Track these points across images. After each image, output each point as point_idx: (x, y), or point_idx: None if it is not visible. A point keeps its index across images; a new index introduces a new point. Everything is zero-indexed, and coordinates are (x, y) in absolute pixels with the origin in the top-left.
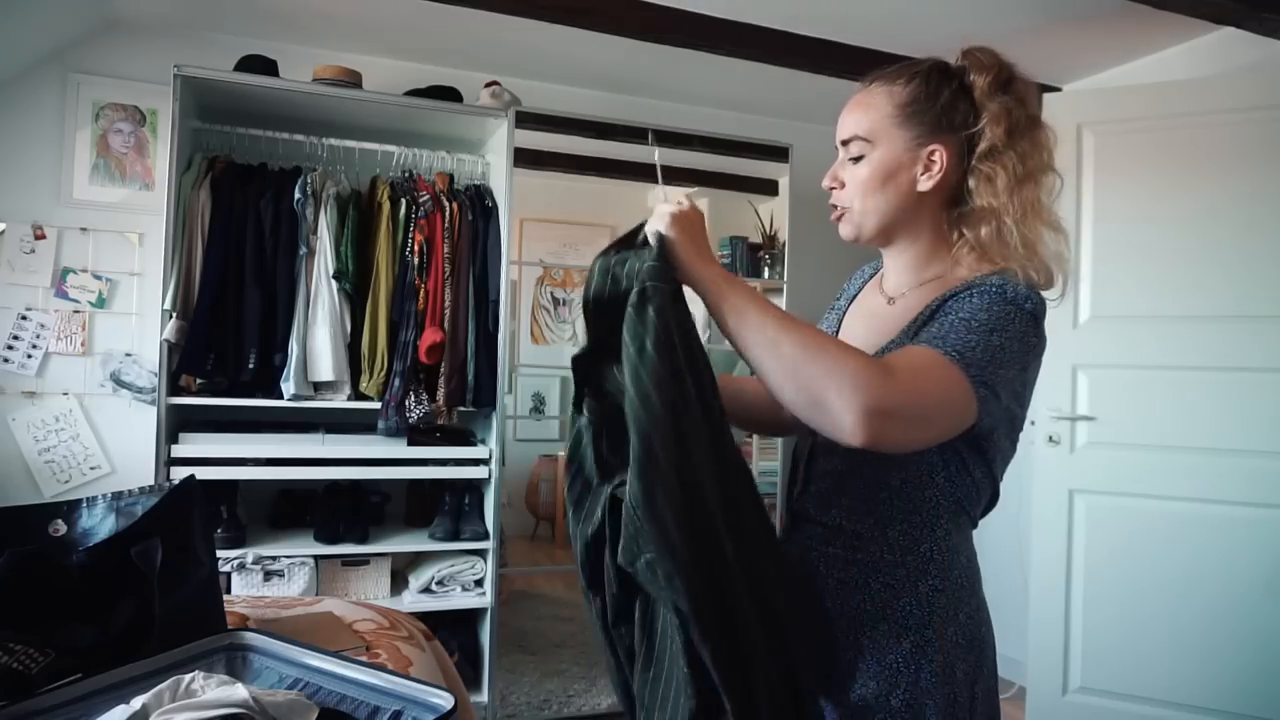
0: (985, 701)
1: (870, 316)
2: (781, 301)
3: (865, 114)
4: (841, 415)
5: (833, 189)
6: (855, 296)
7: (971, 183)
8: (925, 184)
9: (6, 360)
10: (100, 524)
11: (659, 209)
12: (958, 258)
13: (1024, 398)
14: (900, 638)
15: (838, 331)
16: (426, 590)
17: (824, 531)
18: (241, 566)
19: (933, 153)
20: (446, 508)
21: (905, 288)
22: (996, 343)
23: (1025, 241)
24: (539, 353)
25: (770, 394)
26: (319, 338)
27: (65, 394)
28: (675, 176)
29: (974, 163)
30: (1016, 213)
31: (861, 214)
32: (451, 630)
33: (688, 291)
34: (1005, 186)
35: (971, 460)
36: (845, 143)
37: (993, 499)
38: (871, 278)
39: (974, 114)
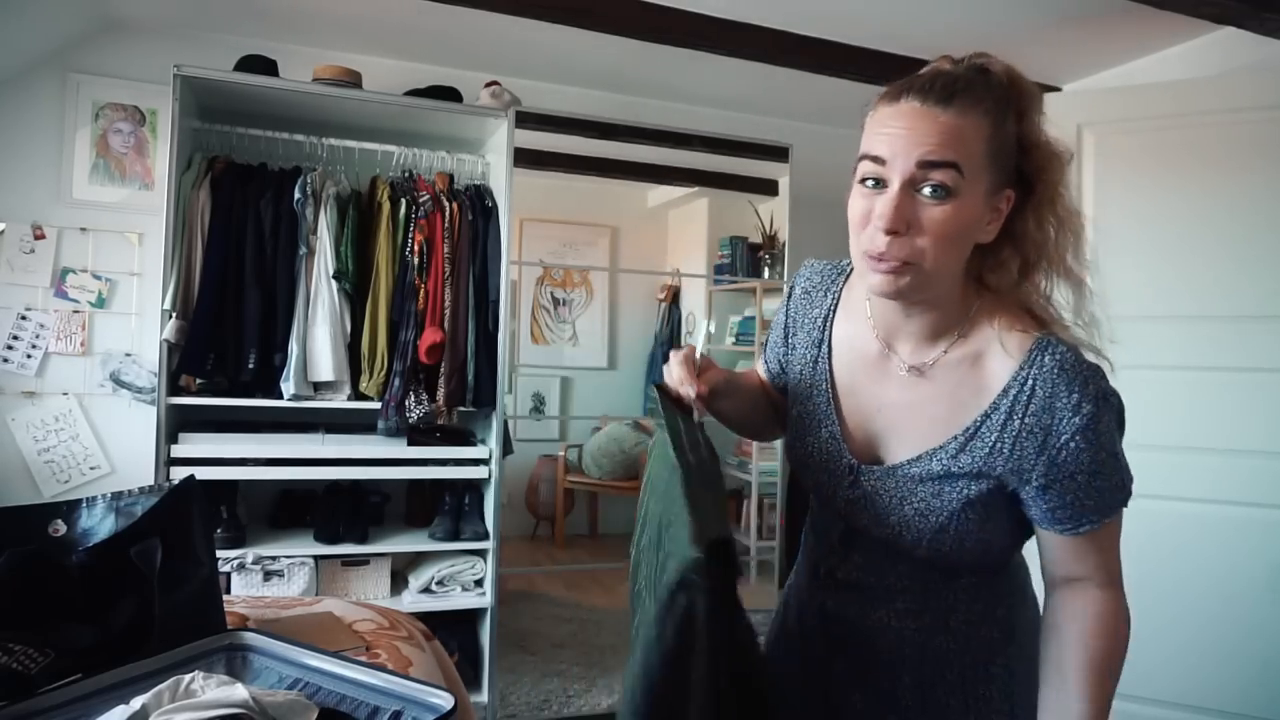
0: None
1: (886, 381)
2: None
3: (960, 141)
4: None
5: (895, 234)
6: (831, 318)
7: (1019, 230)
8: (988, 235)
9: (6, 360)
10: (100, 524)
11: None
12: (978, 314)
13: None
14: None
15: (825, 375)
16: (426, 590)
17: (884, 591)
18: (241, 566)
19: (1008, 196)
20: (446, 508)
21: (928, 355)
22: (1121, 457)
23: (1047, 289)
24: (539, 353)
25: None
26: (319, 338)
27: (65, 394)
28: (675, 176)
29: (1028, 210)
30: (1059, 257)
31: (933, 272)
32: (451, 630)
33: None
34: (1052, 230)
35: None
36: (927, 166)
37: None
38: (844, 290)
39: (1024, 151)
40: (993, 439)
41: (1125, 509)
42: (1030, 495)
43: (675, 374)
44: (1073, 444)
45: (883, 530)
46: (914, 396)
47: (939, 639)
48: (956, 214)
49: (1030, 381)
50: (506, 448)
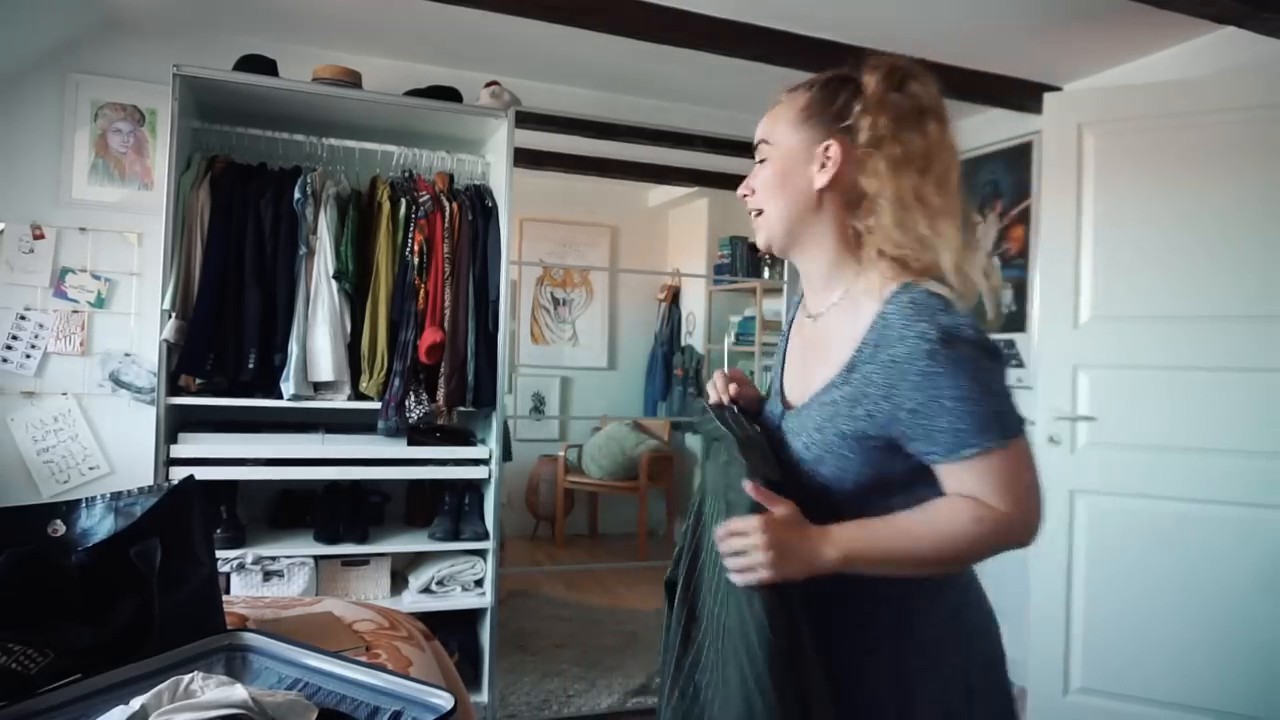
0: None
1: (800, 337)
2: (781, 301)
3: (770, 120)
4: (1017, 549)
5: (745, 196)
6: (793, 322)
7: (858, 176)
8: (821, 179)
9: (5, 360)
10: (99, 524)
11: (736, 556)
12: (861, 268)
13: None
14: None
15: (783, 342)
16: (426, 590)
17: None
18: (241, 566)
19: (827, 148)
20: (446, 508)
21: (823, 304)
22: (997, 391)
23: (914, 234)
24: (539, 353)
25: None
26: (319, 338)
27: (64, 394)
28: (675, 176)
29: (857, 154)
30: (900, 199)
31: (770, 217)
32: (451, 630)
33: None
34: (885, 171)
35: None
36: (754, 150)
37: None
38: (800, 301)
39: (866, 109)
40: (866, 372)
41: (1022, 447)
42: (907, 428)
43: (717, 384)
44: (929, 369)
45: (792, 472)
46: (813, 341)
47: (850, 586)
48: (770, 169)
49: (889, 316)
50: (506, 453)
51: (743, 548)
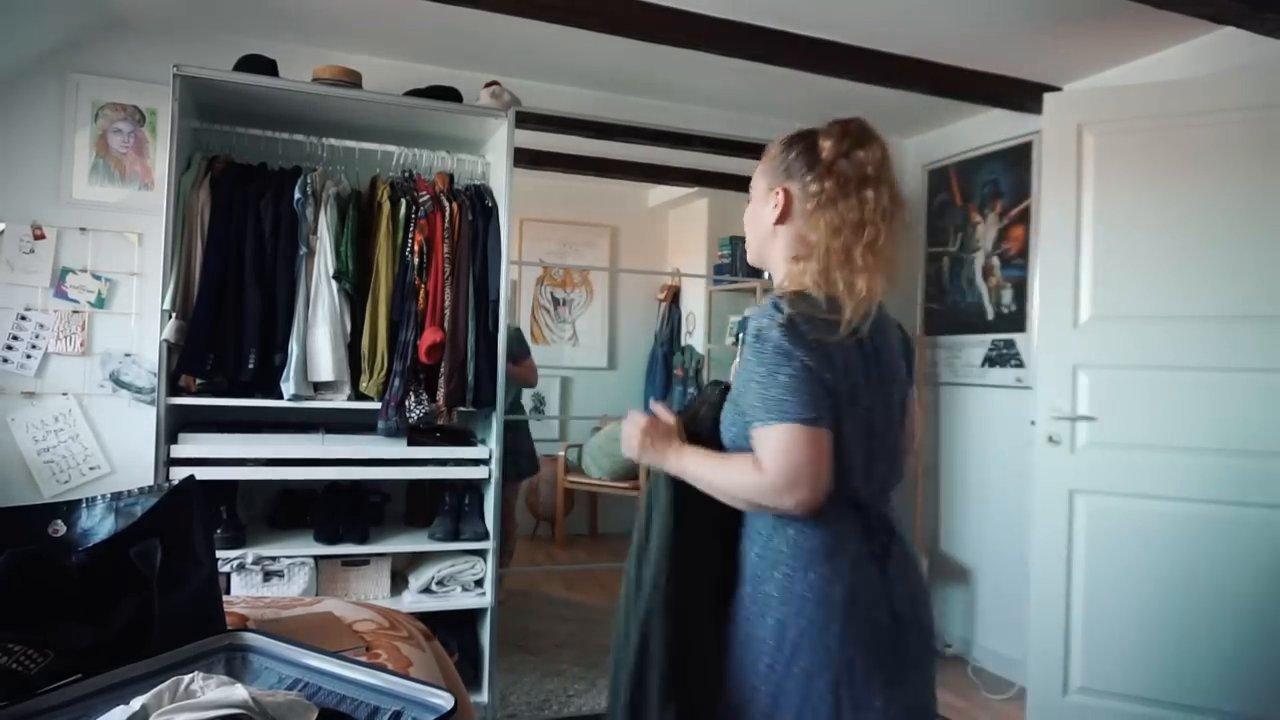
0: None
1: None
2: None
3: (758, 170)
4: (771, 508)
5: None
6: None
7: (806, 224)
8: (771, 217)
9: (6, 360)
10: (100, 524)
11: (625, 434)
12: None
13: (831, 392)
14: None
15: None
16: (426, 590)
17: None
18: (241, 566)
19: (778, 194)
20: (446, 508)
21: None
22: (776, 380)
23: (835, 281)
24: (539, 352)
25: None
26: (319, 338)
27: (65, 394)
28: (675, 176)
29: (808, 206)
30: (830, 254)
31: (748, 240)
32: (451, 630)
33: None
34: (824, 230)
35: None
36: None
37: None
38: None
39: (815, 170)
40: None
41: (797, 431)
42: (741, 400)
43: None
44: (748, 356)
45: (721, 432)
46: None
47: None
48: (749, 209)
49: (750, 317)
50: (532, 465)
51: (630, 429)
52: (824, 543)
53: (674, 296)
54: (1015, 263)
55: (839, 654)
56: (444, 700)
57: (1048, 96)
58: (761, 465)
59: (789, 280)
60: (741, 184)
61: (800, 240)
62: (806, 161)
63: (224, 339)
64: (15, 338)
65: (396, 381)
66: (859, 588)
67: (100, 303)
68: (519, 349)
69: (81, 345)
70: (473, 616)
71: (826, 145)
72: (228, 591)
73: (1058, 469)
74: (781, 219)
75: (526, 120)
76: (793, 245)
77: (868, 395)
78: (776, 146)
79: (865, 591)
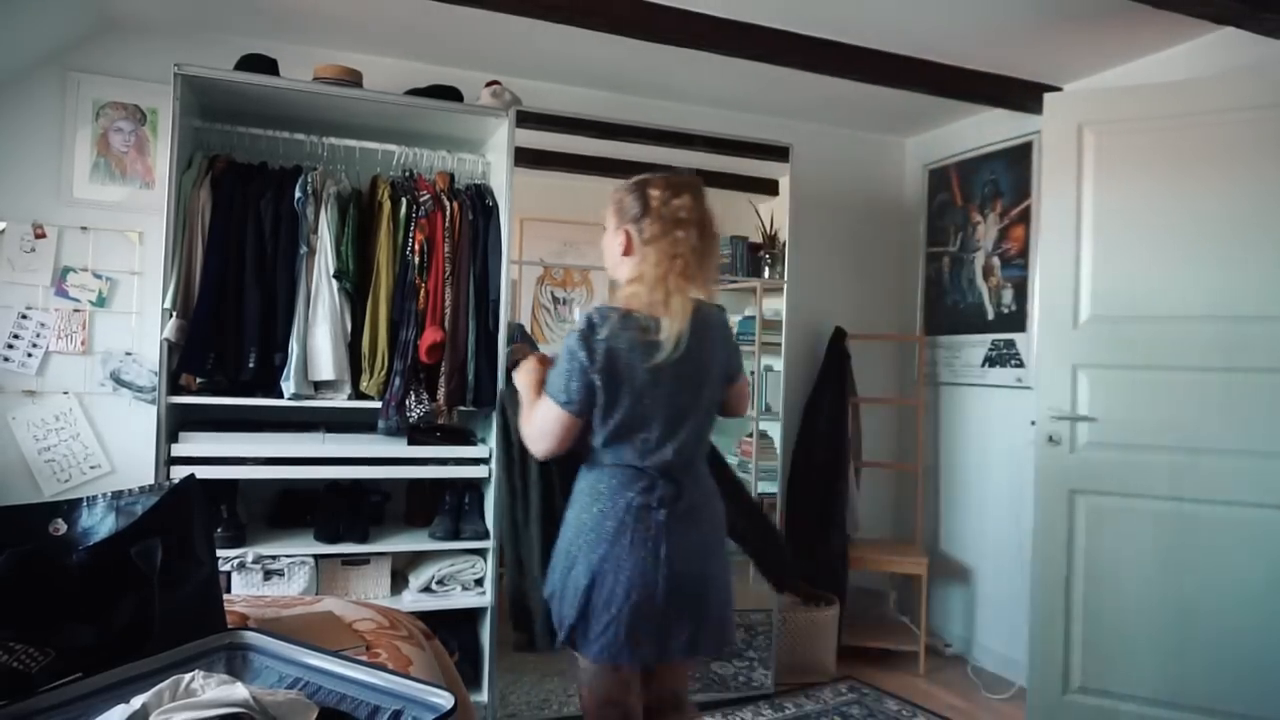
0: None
1: None
2: (782, 300)
3: (607, 209)
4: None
5: None
6: None
7: (640, 257)
8: (618, 250)
9: (6, 359)
10: (100, 523)
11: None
12: None
13: (607, 380)
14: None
15: None
16: (426, 590)
17: None
18: (241, 566)
19: (621, 233)
20: (446, 507)
21: None
22: (559, 368)
23: (653, 300)
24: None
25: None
26: (319, 337)
27: (65, 393)
28: None
29: (641, 241)
30: (653, 282)
31: (606, 265)
32: (451, 630)
33: None
34: (649, 262)
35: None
36: None
37: (609, 440)
38: None
39: (647, 215)
40: None
41: (552, 410)
42: None
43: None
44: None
45: None
46: None
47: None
48: (604, 238)
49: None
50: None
51: (527, 363)
52: (606, 489)
53: None
54: (1015, 263)
55: (598, 568)
56: (444, 699)
57: (1048, 96)
58: (531, 421)
59: (624, 298)
60: (741, 184)
61: (636, 268)
62: (640, 208)
63: (224, 338)
64: (16, 336)
65: (397, 381)
66: (628, 525)
67: (101, 302)
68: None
69: (82, 344)
70: (473, 616)
71: (654, 195)
72: (228, 590)
73: (1058, 469)
74: (625, 252)
75: (527, 120)
76: (631, 271)
77: (663, 391)
78: (620, 193)
79: (635, 529)
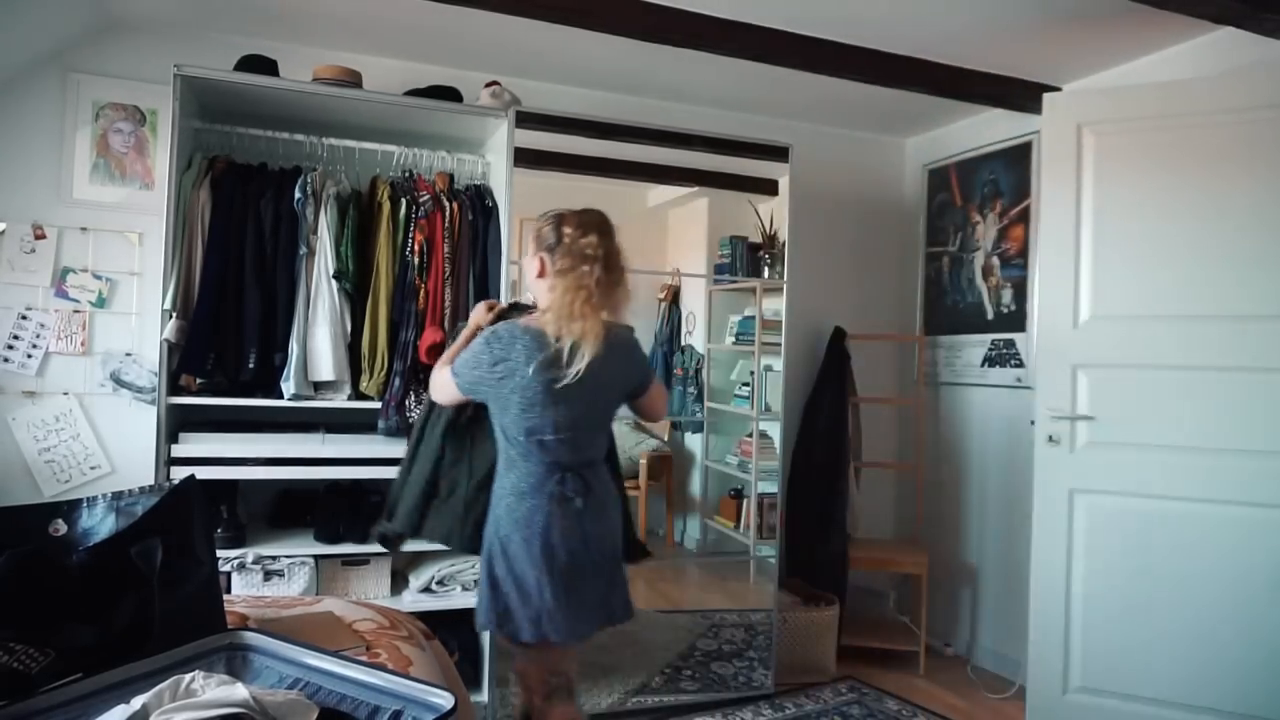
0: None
1: None
2: (781, 300)
3: (529, 236)
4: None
5: None
6: None
7: (552, 283)
8: (535, 273)
9: (6, 360)
10: (100, 524)
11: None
12: None
13: (492, 387)
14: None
15: None
16: (426, 590)
17: None
18: (241, 566)
19: (538, 260)
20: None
21: None
22: (469, 351)
23: (562, 319)
24: None
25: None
26: (319, 337)
27: (65, 393)
28: (675, 176)
29: (554, 270)
30: (560, 305)
31: (526, 285)
32: (451, 630)
33: None
34: (559, 289)
35: (493, 419)
36: None
37: (520, 442)
38: None
39: (559, 248)
40: None
41: (446, 376)
42: None
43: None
44: None
45: None
46: None
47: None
48: (525, 259)
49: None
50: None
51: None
52: (525, 483)
53: (674, 296)
54: (1015, 263)
55: (522, 557)
56: (444, 700)
57: (1047, 96)
58: (440, 372)
59: (537, 319)
60: (741, 184)
61: (548, 295)
62: (554, 240)
63: (224, 339)
64: (16, 337)
65: (397, 381)
66: (545, 512)
67: (101, 302)
68: None
69: (82, 345)
70: (473, 616)
71: (566, 231)
72: (228, 591)
73: (1058, 469)
74: (539, 275)
75: (527, 120)
76: (544, 297)
77: (565, 402)
78: (540, 223)
79: (555, 517)
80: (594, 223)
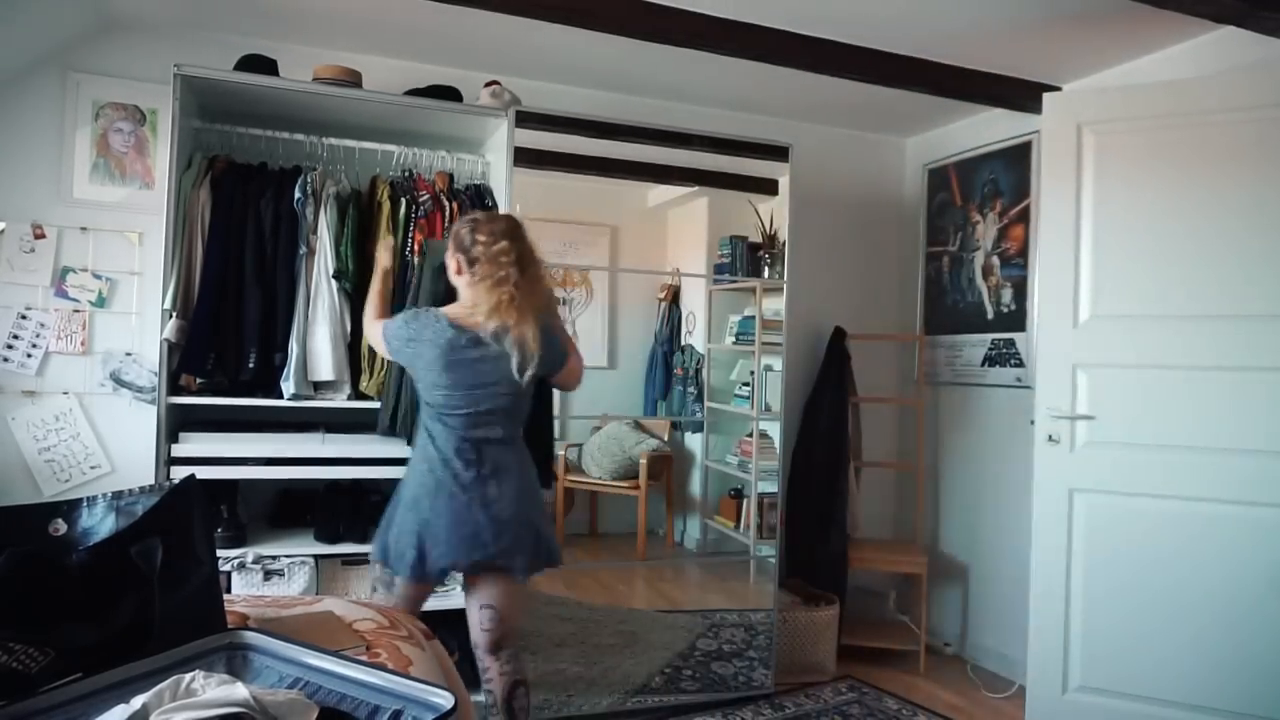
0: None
1: None
2: (782, 300)
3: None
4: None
5: None
6: None
7: (467, 279)
8: (454, 270)
9: (6, 359)
10: (100, 523)
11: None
12: None
13: (408, 358)
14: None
15: None
16: None
17: None
18: (241, 566)
19: (454, 259)
20: None
21: None
22: (391, 326)
23: (478, 309)
24: None
25: None
26: (319, 337)
27: (65, 393)
28: (675, 176)
29: (469, 273)
30: (473, 297)
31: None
32: (452, 630)
33: None
34: (476, 284)
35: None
36: None
37: (445, 409)
38: None
39: (469, 251)
40: None
41: (377, 330)
42: None
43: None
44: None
45: None
46: None
47: None
48: (447, 255)
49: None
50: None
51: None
52: (429, 445)
53: (674, 296)
54: (1015, 262)
55: (430, 511)
56: (444, 699)
57: (1047, 96)
58: (372, 323)
59: (454, 308)
60: (741, 184)
61: (468, 288)
62: (469, 243)
63: (224, 338)
64: (16, 337)
65: None
66: (443, 474)
67: (101, 302)
68: None
69: (82, 344)
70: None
71: (480, 239)
72: (228, 590)
73: (1057, 468)
74: (457, 272)
75: (527, 120)
76: (465, 290)
77: (463, 374)
78: (460, 226)
79: (453, 478)
80: (506, 230)
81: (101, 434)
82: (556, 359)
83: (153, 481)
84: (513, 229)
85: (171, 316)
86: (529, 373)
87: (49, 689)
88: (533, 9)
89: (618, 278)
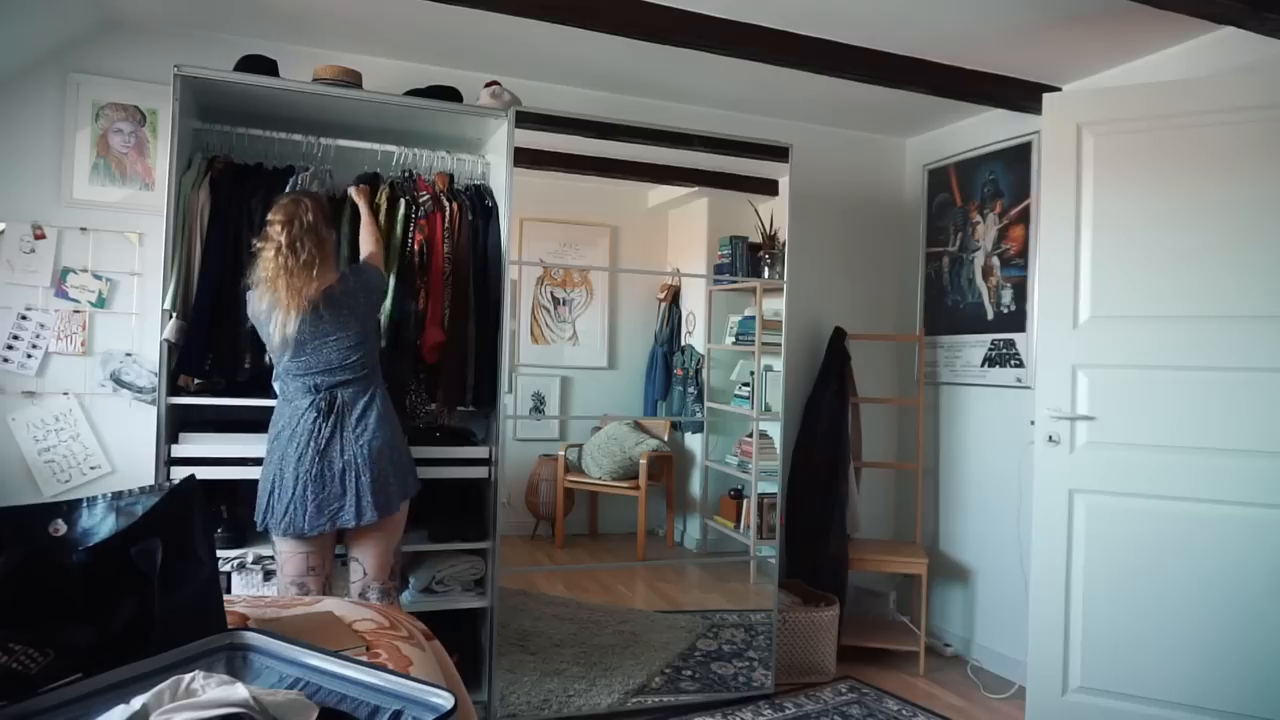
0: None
1: None
2: (781, 300)
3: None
4: None
5: None
6: None
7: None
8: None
9: (6, 360)
10: (100, 524)
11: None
12: None
13: (258, 320)
14: None
15: None
16: (427, 590)
17: None
18: (241, 566)
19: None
20: (446, 508)
21: None
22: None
23: (267, 289)
24: (539, 353)
25: None
26: None
27: (65, 394)
28: (675, 176)
29: (259, 249)
30: (263, 278)
31: None
32: (452, 630)
33: None
34: (264, 265)
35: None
36: None
37: (277, 376)
38: None
39: (262, 227)
40: None
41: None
42: None
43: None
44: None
45: None
46: None
47: None
48: None
49: None
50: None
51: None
52: (285, 394)
53: (674, 296)
54: (1015, 263)
55: (277, 455)
56: (444, 700)
57: (1047, 96)
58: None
59: (258, 283)
60: (741, 184)
61: (259, 267)
62: (263, 219)
63: (222, 339)
64: (16, 337)
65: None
66: (296, 422)
67: (101, 302)
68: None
69: (82, 345)
70: (473, 616)
71: (270, 217)
72: (228, 591)
73: (1057, 469)
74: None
75: (527, 120)
76: (257, 267)
77: (296, 347)
78: (318, 204)
79: (304, 425)
80: (282, 207)
81: (101, 434)
82: (377, 299)
83: (152, 482)
84: (288, 209)
85: (171, 317)
86: (355, 325)
87: (49, 689)
88: (533, 9)
89: (618, 278)
